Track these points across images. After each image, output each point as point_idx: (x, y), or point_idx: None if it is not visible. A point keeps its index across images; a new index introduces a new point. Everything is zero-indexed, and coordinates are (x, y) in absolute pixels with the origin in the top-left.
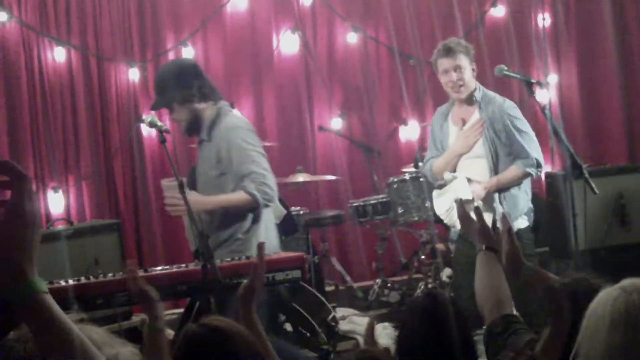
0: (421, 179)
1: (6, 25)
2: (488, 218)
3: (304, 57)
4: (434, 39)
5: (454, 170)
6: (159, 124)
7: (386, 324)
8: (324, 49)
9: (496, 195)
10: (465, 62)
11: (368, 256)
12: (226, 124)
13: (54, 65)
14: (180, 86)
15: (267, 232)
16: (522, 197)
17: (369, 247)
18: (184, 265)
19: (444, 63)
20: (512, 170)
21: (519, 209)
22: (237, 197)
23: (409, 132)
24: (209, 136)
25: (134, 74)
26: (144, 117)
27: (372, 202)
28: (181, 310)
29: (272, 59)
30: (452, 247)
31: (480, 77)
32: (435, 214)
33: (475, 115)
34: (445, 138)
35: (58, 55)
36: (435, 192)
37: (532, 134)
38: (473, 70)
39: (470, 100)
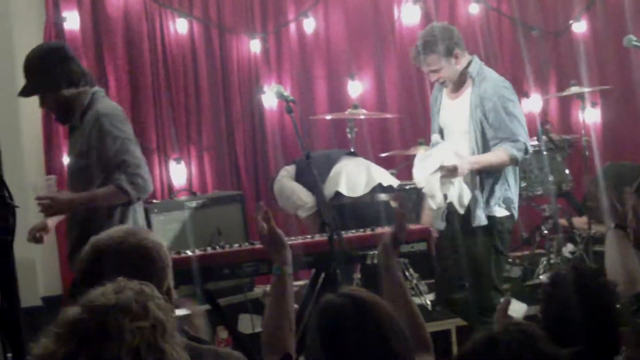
0: (545, 153)
1: None
2: (454, 194)
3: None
4: (557, 9)
5: None
6: (286, 94)
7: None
8: (445, 20)
9: (477, 177)
10: (438, 61)
11: None
12: (98, 110)
13: (176, 37)
14: (45, 71)
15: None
16: (500, 184)
17: None
18: (309, 236)
19: (419, 64)
20: (498, 153)
21: (495, 196)
22: (107, 191)
23: (531, 104)
24: (80, 123)
25: (255, 46)
26: (270, 87)
27: None
28: (301, 282)
29: (393, 30)
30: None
31: (604, 49)
32: (559, 188)
33: (468, 91)
34: (438, 111)
35: (180, 26)
36: (417, 157)
37: (523, 118)
38: (455, 56)
39: (464, 76)
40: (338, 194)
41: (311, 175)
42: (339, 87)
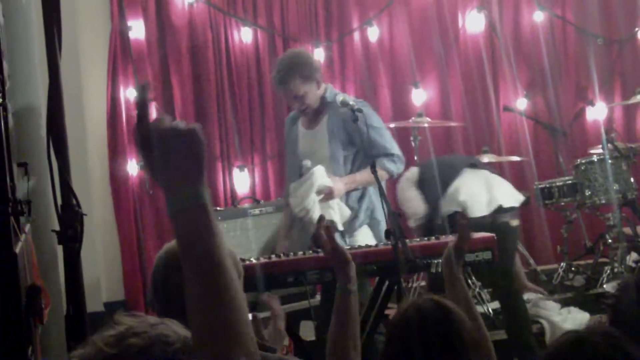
0: (609, 161)
1: (194, 6)
2: (335, 216)
3: (490, 36)
4: (621, 17)
5: None
6: (352, 102)
7: (571, 307)
8: (509, 28)
9: (354, 194)
10: (301, 86)
11: (552, 239)
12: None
13: (240, 46)
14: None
15: None
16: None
17: (553, 230)
18: (373, 244)
19: (280, 91)
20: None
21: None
22: None
23: (596, 112)
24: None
25: (319, 54)
26: (336, 96)
27: (559, 184)
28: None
29: (458, 38)
30: None
31: None
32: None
33: (325, 118)
34: (295, 142)
35: (245, 35)
36: (291, 186)
37: (387, 130)
38: (317, 82)
39: (321, 104)
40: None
41: (433, 182)
42: (403, 95)
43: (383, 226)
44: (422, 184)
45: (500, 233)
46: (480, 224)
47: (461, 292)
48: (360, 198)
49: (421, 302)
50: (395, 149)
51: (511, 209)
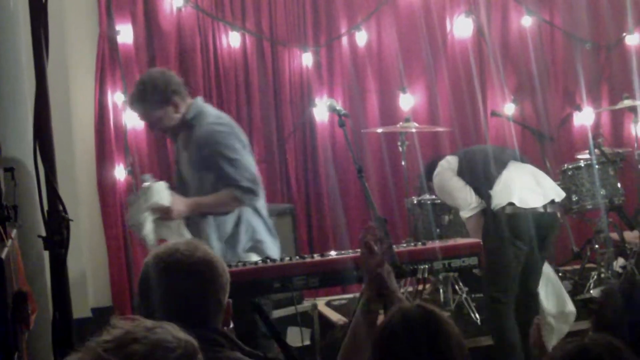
0: (597, 166)
1: (182, 10)
2: (171, 237)
3: (478, 41)
4: (609, 22)
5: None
6: (338, 107)
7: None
8: (497, 32)
9: (210, 219)
10: (152, 111)
11: None
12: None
13: (228, 50)
14: None
15: None
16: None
17: None
18: (359, 250)
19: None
20: (221, 195)
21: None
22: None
23: (583, 118)
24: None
25: (307, 59)
26: (320, 101)
27: None
28: (350, 295)
29: (446, 43)
30: None
31: None
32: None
33: (189, 137)
34: (177, 162)
35: (233, 39)
36: (130, 198)
37: (244, 157)
38: (173, 105)
39: (186, 124)
40: (510, 204)
41: (475, 172)
42: (391, 100)
43: (269, 244)
44: (462, 173)
45: (551, 225)
46: (537, 215)
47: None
48: (237, 223)
49: (407, 309)
50: (243, 181)
51: (559, 203)
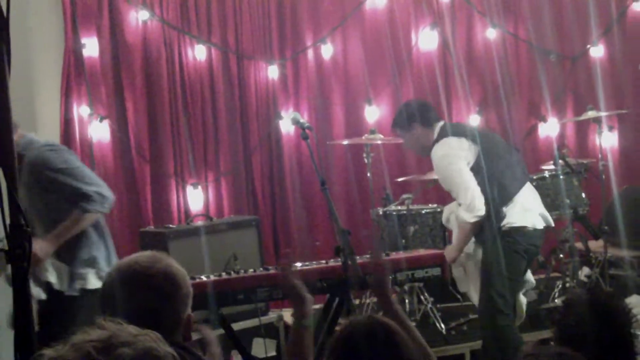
0: (561, 177)
1: (148, 23)
2: (51, 277)
3: (443, 53)
4: (574, 33)
5: None
6: (302, 120)
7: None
8: (462, 45)
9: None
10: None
11: None
12: None
13: (194, 63)
14: None
15: None
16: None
17: None
18: (324, 261)
19: None
20: (73, 216)
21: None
22: None
23: (548, 128)
24: None
25: (273, 72)
26: (287, 113)
27: None
28: (317, 306)
29: (411, 56)
30: None
31: (621, 74)
32: (575, 212)
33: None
34: None
35: (199, 53)
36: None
37: (79, 169)
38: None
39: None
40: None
41: (495, 184)
42: (356, 112)
43: (102, 266)
44: (478, 172)
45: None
46: (539, 236)
47: (393, 313)
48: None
49: (361, 321)
50: (87, 189)
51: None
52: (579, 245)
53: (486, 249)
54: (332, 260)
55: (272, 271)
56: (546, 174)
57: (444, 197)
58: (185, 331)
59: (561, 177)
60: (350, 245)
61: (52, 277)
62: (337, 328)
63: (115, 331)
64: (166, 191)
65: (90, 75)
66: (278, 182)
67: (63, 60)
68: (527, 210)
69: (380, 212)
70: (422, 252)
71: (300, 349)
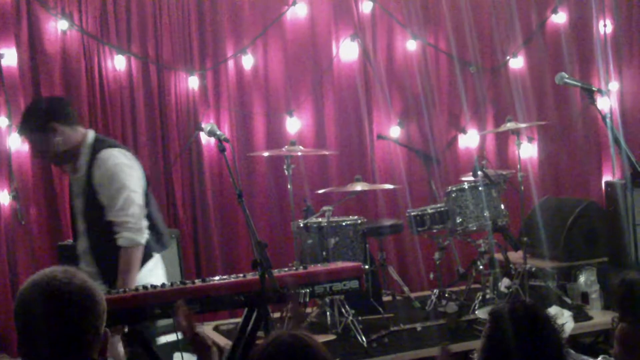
0: (480, 188)
1: (67, 33)
2: None
3: (364, 64)
4: (494, 45)
5: None
6: (219, 132)
7: None
8: (383, 56)
9: None
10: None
11: (426, 266)
12: None
13: (114, 73)
14: None
15: None
16: None
17: (426, 257)
18: (241, 275)
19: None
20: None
21: None
22: None
23: (468, 140)
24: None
25: (193, 82)
26: (203, 125)
27: (430, 211)
28: (238, 319)
29: (332, 67)
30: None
31: (541, 85)
32: (494, 223)
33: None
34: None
35: (118, 63)
36: None
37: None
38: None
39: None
40: None
41: None
42: (277, 123)
43: None
44: None
45: None
46: None
47: None
48: None
49: (277, 336)
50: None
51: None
52: (499, 256)
53: None
54: (250, 273)
55: (189, 285)
56: (465, 185)
57: (365, 209)
58: (102, 347)
59: (480, 188)
60: (267, 257)
61: None
62: (257, 342)
63: None
64: None
65: (8, 86)
66: (199, 194)
67: None
68: None
69: (301, 224)
70: (339, 264)
71: None
